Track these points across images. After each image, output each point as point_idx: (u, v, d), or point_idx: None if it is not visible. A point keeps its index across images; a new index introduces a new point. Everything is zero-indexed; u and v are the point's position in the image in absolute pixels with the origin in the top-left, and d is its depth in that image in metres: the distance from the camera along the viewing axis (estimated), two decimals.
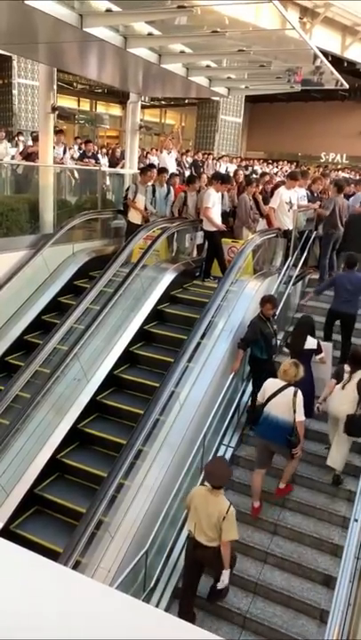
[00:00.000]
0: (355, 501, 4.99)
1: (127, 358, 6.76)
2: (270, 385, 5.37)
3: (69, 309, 6.38)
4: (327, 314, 7.18)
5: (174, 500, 4.93)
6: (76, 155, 13.36)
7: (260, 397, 5.42)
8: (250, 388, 6.60)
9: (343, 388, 5.56)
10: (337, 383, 5.66)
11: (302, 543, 5.29)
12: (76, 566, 4.03)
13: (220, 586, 4.43)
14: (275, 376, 5.71)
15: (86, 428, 5.95)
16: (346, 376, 5.58)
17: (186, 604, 4.61)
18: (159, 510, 4.74)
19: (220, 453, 5.89)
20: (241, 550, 5.23)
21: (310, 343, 6.05)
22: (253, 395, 6.36)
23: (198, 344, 5.95)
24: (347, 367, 5.65)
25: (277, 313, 6.51)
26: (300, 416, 5.16)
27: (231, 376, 6.07)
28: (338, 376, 5.71)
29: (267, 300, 6.22)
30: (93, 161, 11.95)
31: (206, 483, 4.50)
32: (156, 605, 4.59)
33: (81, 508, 4.83)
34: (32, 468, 5.29)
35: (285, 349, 6.68)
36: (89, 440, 5.90)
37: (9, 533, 4.86)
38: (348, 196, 9.25)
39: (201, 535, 4.32)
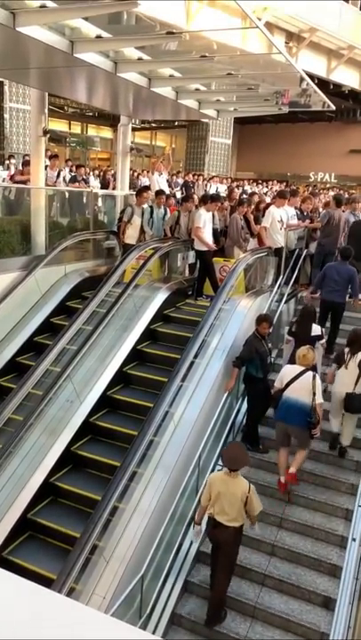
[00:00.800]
0: (352, 520, 4.95)
1: (120, 379, 6.73)
2: (289, 371, 5.69)
3: (62, 330, 6.36)
4: (320, 304, 7.44)
5: (170, 522, 4.85)
6: (68, 177, 13.48)
7: (279, 383, 5.71)
8: (245, 407, 6.57)
9: (346, 367, 5.92)
10: (338, 367, 5.99)
11: (300, 564, 5.22)
12: (70, 593, 3.94)
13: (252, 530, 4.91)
14: (269, 394, 5.92)
15: (80, 451, 5.88)
16: (347, 357, 5.95)
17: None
18: (155, 533, 4.66)
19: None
20: (238, 573, 5.14)
21: (315, 330, 6.47)
22: (248, 413, 6.35)
23: (192, 363, 5.93)
24: (346, 349, 6.02)
25: (271, 331, 6.54)
26: (320, 399, 5.47)
27: (226, 394, 6.05)
28: (339, 360, 6.05)
29: (263, 319, 6.29)
30: (84, 184, 12.07)
31: (224, 468, 4.68)
32: (153, 632, 4.48)
33: (75, 533, 4.74)
34: (25, 493, 5.20)
35: (288, 337, 6.83)
36: (82, 462, 5.83)
37: (1, 560, 4.75)
38: None
39: (222, 516, 4.53)
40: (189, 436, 5.45)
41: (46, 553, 5.00)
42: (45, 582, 4.33)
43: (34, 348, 7.29)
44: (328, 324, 7.40)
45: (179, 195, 13.56)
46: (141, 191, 9.30)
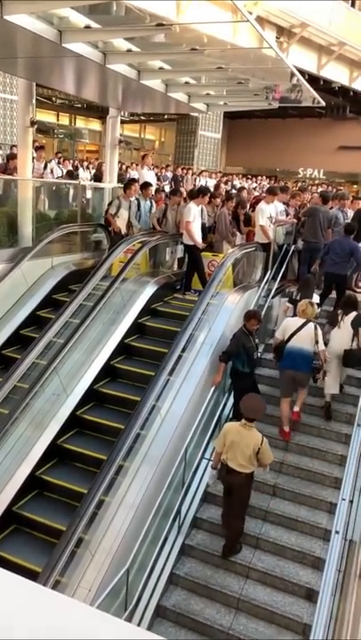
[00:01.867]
0: (335, 514, 5.01)
1: (107, 372, 6.71)
2: (291, 323, 6.36)
3: (48, 323, 6.32)
4: (324, 277, 8.11)
5: (156, 515, 4.86)
6: (57, 170, 13.38)
7: (281, 336, 6.38)
8: (231, 401, 6.60)
9: (339, 327, 6.44)
10: (332, 327, 6.59)
11: (284, 557, 5.28)
12: (55, 586, 3.94)
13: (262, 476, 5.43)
14: (256, 389, 5.94)
15: (66, 444, 5.86)
16: (340, 318, 6.50)
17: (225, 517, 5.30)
18: (140, 527, 4.67)
19: (201, 468, 5.86)
20: (223, 566, 5.19)
21: (315, 298, 7.13)
22: (235, 407, 6.38)
23: (179, 357, 5.94)
24: (340, 311, 6.62)
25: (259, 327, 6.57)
26: (322, 346, 6.19)
27: (213, 389, 6.07)
28: (332, 321, 6.68)
29: (252, 316, 6.34)
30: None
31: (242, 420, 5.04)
32: (138, 624, 4.51)
33: (61, 526, 4.73)
34: (10, 486, 5.17)
35: (287, 304, 7.32)
36: (69, 456, 5.81)
37: None
38: None
39: (235, 464, 4.90)
40: (176, 430, 5.46)
41: (32, 546, 4.98)
42: (31, 575, 4.33)
43: (20, 340, 7.23)
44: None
45: (167, 188, 13.51)
46: (129, 184, 9.24)
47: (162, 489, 5.01)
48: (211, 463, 5.42)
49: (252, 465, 4.96)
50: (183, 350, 6.03)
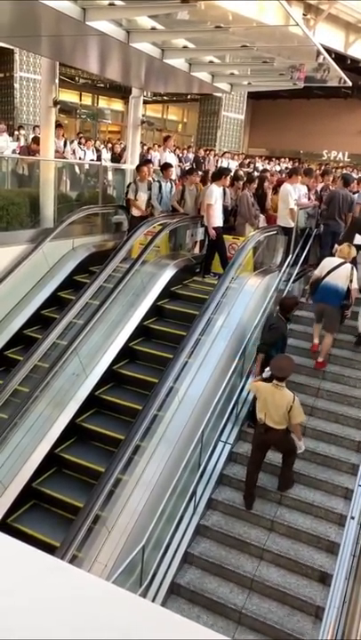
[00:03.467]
0: (352, 499, 5.01)
1: (126, 354, 6.76)
2: (328, 262, 6.86)
3: (69, 304, 6.37)
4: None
5: (172, 495, 4.93)
6: (78, 151, 13.35)
7: (319, 273, 6.85)
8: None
9: None
10: None
11: (299, 540, 5.31)
12: (72, 560, 4.04)
13: (299, 450, 5.53)
14: None
15: (85, 423, 5.95)
16: None
17: (250, 485, 5.50)
18: (157, 505, 4.74)
19: (217, 450, 5.90)
20: (237, 547, 5.25)
21: (358, 239, 7.51)
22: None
23: (198, 340, 5.94)
24: None
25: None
26: (355, 285, 6.67)
27: (230, 372, 6.06)
28: None
29: (291, 301, 6.50)
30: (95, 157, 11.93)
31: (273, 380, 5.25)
32: (153, 600, 4.60)
33: (78, 503, 4.84)
34: (30, 463, 5.29)
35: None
36: (87, 435, 5.91)
37: (6, 527, 4.86)
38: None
39: (271, 421, 5.17)
40: (193, 412, 5.50)
41: (50, 521, 5.11)
42: (48, 549, 4.44)
43: (41, 321, 7.32)
44: None
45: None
46: (140, 165, 9.13)
47: (178, 470, 5.06)
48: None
49: (286, 421, 5.22)
50: (202, 333, 6.03)
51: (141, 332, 7.05)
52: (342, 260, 6.73)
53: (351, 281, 6.65)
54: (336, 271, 6.66)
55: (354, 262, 6.87)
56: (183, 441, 5.28)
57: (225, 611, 4.80)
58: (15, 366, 5.62)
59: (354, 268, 6.70)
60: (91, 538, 4.41)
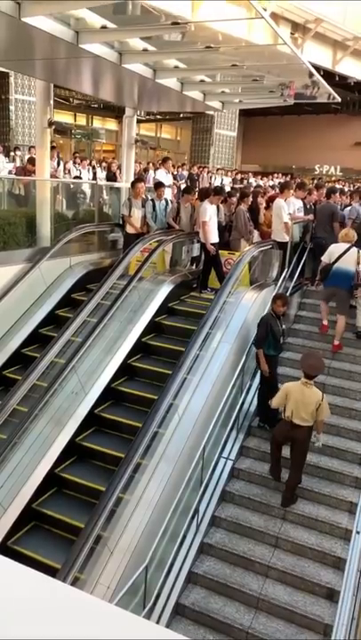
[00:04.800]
0: (356, 513, 4.96)
1: (125, 371, 6.73)
2: (336, 248, 7.29)
3: (67, 322, 6.36)
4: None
5: (174, 513, 4.87)
6: (73, 170, 13.47)
7: (327, 259, 7.28)
8: (249, 399, 6.58)
9: None
10: None
11: (304, 556, 5.23)
12: (74, 582, 3.97)
13: (317, 443, 5.60)
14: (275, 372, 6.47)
15: (84, 442, 5.90)
16: None
17: (277, 470, 5.77)
18: (159, 524, 4.68)
19: (219, 466, 5.85)
20: (242, 564, 5.18)
21: None
22: (260, 391, 6.52)
23: (197, 356, 5.93)
24: None
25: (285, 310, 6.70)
26: None
27: (230, 387, 6.04)
28: None
29: (278, 297, 6.49)
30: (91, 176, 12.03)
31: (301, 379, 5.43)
32: (157, 622, 4.51)
33: (79, 523, 4.77)
34: (30, 483, 5.23)
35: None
36: (87, 454, 5.85)
37: (6, 550, 4.79)
38: (342, 207, 9.32)
39: (298, 419, 5.31)
40: (194, 428, 5.46)
41: (51, 543, 5.04)
42: (50, 572, 4.37)
43: (39, 339, 7.30)
44: None
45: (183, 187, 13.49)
46: (135, 183, 9.23)
47: (180, 487, 5.01)
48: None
49: (313, 419, 5.35)
50: (200, 349, 6.02)
51: (140, 348, 7.04)
52: (348, 245, 7.20)
53: (359, 263, 7.08)
54: (345, 256, 7.13)
55: (358, 245, 7.32)
56: (184, 458, 5.24)
57: (231, 631, 4.71)
58: (14, 386, 5.59)
59: (360, 251, 7.14)
60: (92, 559, 4.34)
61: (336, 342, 7.27)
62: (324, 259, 7.35)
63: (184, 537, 5.15)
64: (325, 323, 7.50)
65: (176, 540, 5.04)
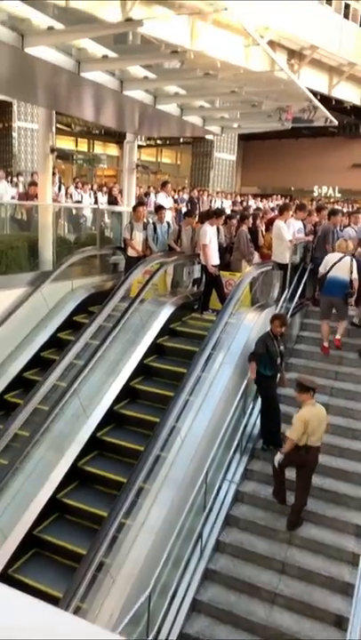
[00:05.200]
0: None
1: (127, 393, 6.70)
2: (331, 257, 7.52)
3: (68, 345, 6.36)
4: None
5: (177, 538, 4.79)
6: (75, 195, 13.65)
7: (323, 269, 7.52)
8: (252, 421, 6.53)
9: None
10: None
11: (312, 582, 5.12)
12: (76, 611, 3.89)
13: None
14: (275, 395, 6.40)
15: (86, 467, 5.84)
16: None
17: (281, 493, 5.70)
18: (162, 550, 4.59)
19: (223, 490, 5.77)
20: (247, 591, 5.07)
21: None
22: (262, 414, 6.46)
23: (199, 377, 5.91)
24: None
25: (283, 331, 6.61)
26: (355, 275, 7.28)
27: (233, 409, 6.00)
28: None
29: (276, 317, 6.47)
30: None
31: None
32: None
33: (82, 550, 4.68)
34: (31, 509, 5.16)
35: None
36: (89, 478, 5.79)
37: (6, 578, 4.70)
38: (341, 228, 9.37)
39: (314, 440, 5.26)
40: (196, 451, 5.41)
41: (52, 570, 4.94)
42: (51, 601, 4.28)
43: (41, 363, 7.29)
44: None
45: (184, 210, 13.63)
46: (136, 206, 9.35)
47: (183, 512, 4.93)
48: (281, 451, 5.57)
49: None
50: (202, 370, 6.00)
51: (142, 370, 7.02)
52: (342, 255, 7.40)
53: (351, 272, 7.26)
54: (339, 264, 7.34)
55: (353, 256, 7.54)
56: (187, 481, 5.17)
57: None
58: (15, 410, 5.55)
59: (353, 260, 7.34)
60: (94, 587, 4.26)
61: (338, 337, 7.50)
62: (321, 269, 7.61)
63: (188, 562, 5.06)
64: (326, 344, 7.54)
65: (180, 565, 4.95)
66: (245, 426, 6.46)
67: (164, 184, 13.00)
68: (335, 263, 7.39)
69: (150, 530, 4.71)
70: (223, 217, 9.09)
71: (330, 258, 7.54)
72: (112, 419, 6.39)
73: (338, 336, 7.52)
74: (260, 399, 6.62)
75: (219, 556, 5.41)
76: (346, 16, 22.05)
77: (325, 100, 21.03)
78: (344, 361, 7.37)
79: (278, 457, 5.49)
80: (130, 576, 4.41)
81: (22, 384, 7.03)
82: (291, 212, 8.71)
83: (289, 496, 5.66)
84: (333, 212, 9.23)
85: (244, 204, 18.56)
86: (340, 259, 7.37)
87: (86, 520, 5.33)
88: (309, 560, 5.26)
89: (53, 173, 12.41)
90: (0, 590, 0.90)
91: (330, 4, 21.44)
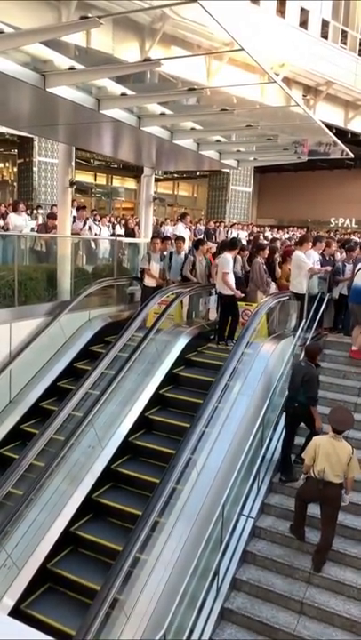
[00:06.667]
0: None
1: (142, 424, 6.66)
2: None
3: (85, 375, 6.38)
4: None
5: (193, 575, 4.65)
6: (94, 227, 13.95)
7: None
8: (269, 454, 6.42)
9: None
10: None
11: (331, 624, 4.91)
12: None
13: (345, 503, 5.28)
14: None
15: (101, 499, 5.77)
16: None
17: (301, 529, 5.56)
18: (177, 587, 4.46)
19: (239, 525, 5.63)
20: (265, 633, 4.88)
21: None
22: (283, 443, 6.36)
23: (215, 408, 5.85)
24: None
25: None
26: None
27: (250, 441, 5.91)
28: None
29: (319, 350, 6.71)
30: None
31: (330, 432, 5.24)
32: None
33: (95, 585, 4.59)
34: (45, 542, 5.09)
35: None
36: (104, 511, 5.71)
37: (19, 614, 4.60)
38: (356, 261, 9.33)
39: (332, 475, 5.09)
40: (213, 485, 5.31)
41: (66, 606, 4.84)
42: (64, 638, 4.18)
43: (57, 392, 7.31)
44: None
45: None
46: (154, 237, 9.57)
47: (199, 547, 4.80)
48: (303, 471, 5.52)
49: (343, 474, 5.13)
50: (219, 401, 5.94)
51: (157, 400, 6.98)
52: None
53: None
54: (359, 273, 7.70)
55: None
56: (203, 516, 5.06)
57: None
58: (31, 440, 5.55)
59: None
60: (108, 624, 4.14)
61: (355, 348, 7.71)
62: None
63: (204, 601, 4.89)
64: (355, 348, 7.76)
65: (195, 604, 4.79)
66: (263, 458, 6.33)
67: (183, 215, 13.26)
68: (358, 270, 7.74)
69: (165, 565, 4.60)
70: (238, 247, 9.14)
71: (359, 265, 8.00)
72: (127, 450, 6.33)
73: (355, 347, 7.72)
74: (278, 430, 6.52)
75: (235, 595, 5.23)
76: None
77: (341, 132, 21.36)
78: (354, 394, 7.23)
79: (300, 477, 5.47)
80: (144, 614, 4.29)
81: (39, 413, 7.04)
82: (310, 244, 8.71)
83: (308, 532, 5.49)
84: (350, 249, 9.28)
85: (260, 235, 18.70)
86: None
87: (100, 554, 5.23)
88: (329, 600, 5.06)
89: (83, 207, 12.76)
90: (14, 627, 0.89)
91: (345, 43, 21.99)
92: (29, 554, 4.95)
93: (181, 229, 12.21)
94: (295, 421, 6.26)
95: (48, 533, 5.14)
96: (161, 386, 7.06)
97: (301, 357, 6.54)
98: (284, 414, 6.56)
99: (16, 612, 4.60)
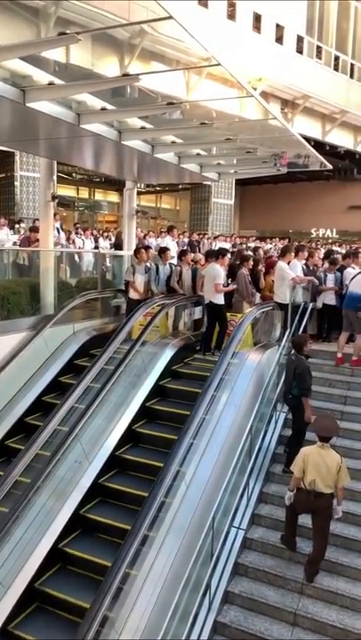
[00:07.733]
0: None
1: (130, 437, 6.60)
2: (348, 273, 8.33)
3: (70, 389, 6.31)
4: None
5: (184, 589, 4.58)
6: (77, 240, 13.93)
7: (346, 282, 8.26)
8: (258, 464, 6.40)
9: None
10: None
11: (325, 634, 4.87)
12: None
13: (337, 516, 5.25)
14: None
15: (89, 514, 5.68)
16: None
17: (292, 540, 5.54)
18: (168, 602, 4.39)
19: (230, 537, 5.58)
20: None
21: None
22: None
23: (202, 419, 5.82)
24: None
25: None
26: None
27: (238, 452, 5.88)
28: None
29: (305, 340, 6.71)
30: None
31: (317, 442, 5.22)
32: None
33: (85, 603, 4.49)
34: (32, 560, 4.97)
35: None
36: (92, 526, 5.61)
37: (7, 635, 4.49)
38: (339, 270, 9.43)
39: (323, 486, 5.06)
40: (202, 497, 5.26)
41: (55, 626, 4.72)
42: None
43: (42, 407, 7.22)
44: None
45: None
46: (137, 250, 9.55)
47: (190, 560, 4.74)
48: (289, 488, 5.44)
49: (334, 484, 5.10)
50: (206, 412, 5.92)
51: (144, 413, 6.93)
52: (359, 271, 8.09)
53: None
54: (355, 279, 7.90)
55: None
56: (193, 528, 5.00)
57: None
58: (16, 456, 5.45)
59: None
60: None
61: (354, 358, 7.82)
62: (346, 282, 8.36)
63: (196, 615, 4.82)
64: (339, 355, 7.91)
65: (187, 619, 4.71)
66: (252, 468, 6.31)
67: (170, 228, 13.33)
68: (353, 278, 7.95)
69: (156, 580, 4.53)
70: (227, 256, 9.16)
71: (350, 272, 8.25)
72: (115, 464, 6.26)
73: (355, 357, 7.83)
74: (266, 440, 6.52)
75: (228, 608, 5.17)
76: (336, 67, 23.08)
77: (320, 145, 21.73)
78: (348, 402, 7.28)
79: (288, 495, 5.36)
80: (136, 630, 4.21)
81: (24, 429, 6.93)
82: (292, 254, 8.80)
83: (299, 542, 5.47)
84: (332, 262, 9.41)
85: (244, 246, 18.83)
86: (357, 274, 7.94)
87: (89, 570, 5.14)
88: (323, 611, 5.03)
89: (55, 214, 12.71)
90: None
91: (319, 57, 22.48)
92: (16, 572, 4.83)
93: (169, 242, 12.26)
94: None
95: (35, 551, 5.03)
96: (148, 398, 7.01)
97: (291, 352, 6.60)
98: (283, 415, 6.84)
99: (3, 633, 4.49)
